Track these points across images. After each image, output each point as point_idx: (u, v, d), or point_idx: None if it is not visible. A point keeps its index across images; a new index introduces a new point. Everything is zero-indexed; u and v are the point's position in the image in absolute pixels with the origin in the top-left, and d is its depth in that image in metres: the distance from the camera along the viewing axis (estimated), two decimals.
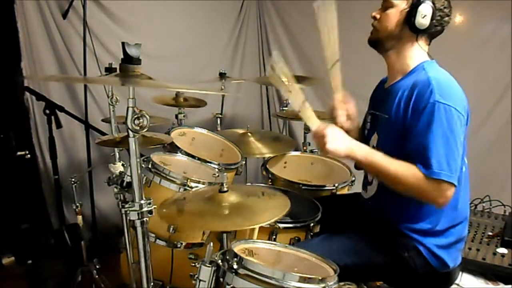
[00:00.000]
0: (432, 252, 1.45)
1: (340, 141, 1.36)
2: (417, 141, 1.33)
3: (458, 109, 1.32)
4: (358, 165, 1.55)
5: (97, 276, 2.05)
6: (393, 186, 1.37)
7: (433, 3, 1.40)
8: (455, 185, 1.30)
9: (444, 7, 1.43)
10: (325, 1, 1.57)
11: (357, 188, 1.96)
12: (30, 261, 2.22)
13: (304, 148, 2.74)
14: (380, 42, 1.51)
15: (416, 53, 1.48)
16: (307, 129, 2.73)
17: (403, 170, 1.32)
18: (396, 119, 1.42)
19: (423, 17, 1.40)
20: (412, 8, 1.41)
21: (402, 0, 1.44)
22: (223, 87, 2.87)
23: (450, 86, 1.37)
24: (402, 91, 1.42)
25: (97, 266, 2.07)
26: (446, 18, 1.45)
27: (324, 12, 1.59)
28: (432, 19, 1.41)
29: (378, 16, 1.50)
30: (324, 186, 2.14)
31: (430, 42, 1.50)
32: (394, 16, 1.46)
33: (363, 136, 1.67)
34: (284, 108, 2.86)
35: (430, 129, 1.31)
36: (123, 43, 1.22)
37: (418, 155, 1.31)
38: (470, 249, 1.96)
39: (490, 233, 2.11)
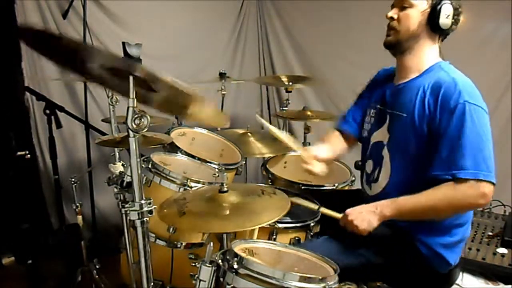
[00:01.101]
0: (434, 251, 1.45)
1: (366, 217, 1.37)
2: (451, 145, 1.32)
3: (486, 110, 1.34)
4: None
5: (97, 276, 2.05)
6: (438, 216, 1.40)
7: (451, 2, 1.41)
8: (493, 184, 1.31)
9: (459, 6, 1.43)
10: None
11: (357, 187, 1.96)
12: (30, 261, 2.22)
13: None
14: (399, 43, 1.47)
15: (431, 53, 1.48)
16: (307, 129, 2.73)
17: (433, 197, 1.32)
18: (420, 118, 1.40)
19: (447, 17, 1.40)
20: (434, 8, 1.41)
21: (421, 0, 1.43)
22: (223, 87, 2.87)
23: (474, 88, 1.38)
24: (422, 90, 1.41)
25: (97, 266, 2.07)
26: (460, 15, 1.45)
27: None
28: (452, 18, 1.41)
29: (395, 17, 1.46)
30: (324, 186, 2.14)
31: (443, 41, 1.51)
32: (415, 17, 1.43)
33: (359, 133, 1.69)
34: (284, 108, 2.86)
35: (463, 131, 1.30)
36: (123, 43, 1.23)
37: (453, 159, 1.30)
38: (470, 249, 1.96)
39: (490, 233, 2.11)
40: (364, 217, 1.38)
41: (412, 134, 1.41)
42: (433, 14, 1.41)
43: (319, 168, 1.63)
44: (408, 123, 1.43)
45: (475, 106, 1.31)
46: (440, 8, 1.40)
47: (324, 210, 1.53)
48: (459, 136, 1.30)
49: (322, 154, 1.68)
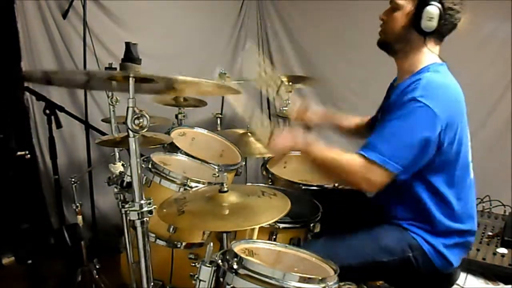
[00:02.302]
0: (437, 250, 1.45)
1: (285, 137, 1.47)
2: (379, 128, 1.36)
3: (435, 111, 1.30)
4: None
5: (97, 276, 2.05)
6: (327, 170, 1.45)
7: (441, 3, 1.37)
8: (391, 177, 1.31)
9: (454, 5, 1.40)
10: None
11: None
12: (30, 261, 2.21)
13: None
14: (387, 44, 1.49)
15: (425, 55, 1.46)
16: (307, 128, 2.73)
17: (340, 154, 1.37)
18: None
19: (430, 19, 1.37)
20: (417, 10, 1.39)
21: (407, 1, 1.42)
22: None
23: (439, 88, 1.36)
24: (401, 90, 1.42)
25: (97, 266, 2.07)
26: (457, 15, 1.42)
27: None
28: (440, 19, 1.38)
29: (385, 18, 1.48)
30: (324, 186, 2.13)
31: (442, 40, 1.48)
32: (400, 19, 1.43)
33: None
34: (284, 108, 2.86)
35: (397, 120, 1.31)
36: (127, 43, 1.22)
37: (374, 139, 1.34)
38: (470, 249, 1.96)
39: (490, 233, 2.11)
40: (284, 141, 1.49)
41: None
42: (416, 16, 1.39)
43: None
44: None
45: (421, 103, 1.30)
46: (423, 10, 1.37)
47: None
48: (389, 122, 1.33)
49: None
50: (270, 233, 1.62)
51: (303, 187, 2.10)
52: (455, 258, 1.47)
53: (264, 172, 2.27)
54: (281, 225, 1.61)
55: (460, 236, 1.48)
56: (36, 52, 2.55)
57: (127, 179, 1.67)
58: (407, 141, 1.31)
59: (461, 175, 1.45)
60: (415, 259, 1.45)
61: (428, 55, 1.46)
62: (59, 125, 2.15)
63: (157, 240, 1.73)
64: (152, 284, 1.29)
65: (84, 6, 2.55)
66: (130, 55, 1.23)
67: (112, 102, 2.05)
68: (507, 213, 2.35)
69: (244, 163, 2.26)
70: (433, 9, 1.37)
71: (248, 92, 3.64)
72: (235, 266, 1.14)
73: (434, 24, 1.38)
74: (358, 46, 3.16)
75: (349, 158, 1.35)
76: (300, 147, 1.46)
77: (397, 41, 1.46)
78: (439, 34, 1.44)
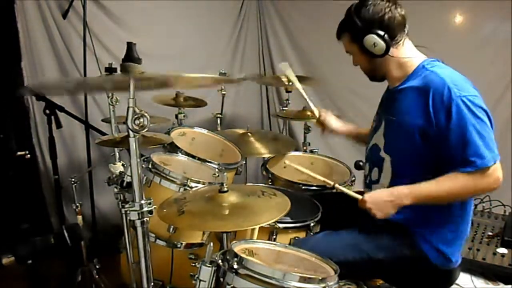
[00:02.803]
0: (434, 246, 1.45)
1: (384, 208, 1.39)
2: (462, 141, 1.33)
3: (477, 94, 1.36)
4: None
5: (97, 276, 2.05)
6: (452, 201, 1.42)
7: (371, 23, 1.40)
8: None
9: (383, 10, 1.40)
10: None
11: (357, 187, 1.96)
12: (30, 261, 2.21)
13: (304, 148, 2.74)
14: (373, 78, 1.57)
15: (407, 59, 1.47)
16: (306, 129, 2.73)
17: (450, 183, 1.34)
18: (409, 121, 1.41)
19: (375, 45, 1.41)
20: (361, 47, 1.44)
21: (350, 46, 1.50)
22: (223, 87, 2.88)
23: (461, 80, 1.38)
24: (411, 93, 1.42)
25: (97, 266, 2.07)
26: (395, 11, 1.41)
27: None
28: (383, 35, 1.40)
29: (355, 64, 1.57)
30: (324, 186, 2.13)
31: (405, 35, 1.46)
32: (360, 60, 1.52)
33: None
34: (284, 108, 2.86)
35: (468, 124, 1.32)
36: (129, 43, 1.22)
37: (461, 154, 1.32)
38: (470, 249, 1.96)
39: (490, 233, 2.11)
40: (382, 207, 1.40)
41: (404, 137, 1.43)
42: (365, 51, 1.44)
43: (334, 122, 1.93)
44: (399, 126, 1.45)
45: (467, 97, 1.33)
46: (363, 45, 1.42)
47: (342, 188, 1.57)
48: (466, 130, 1.32)
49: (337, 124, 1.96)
50: (270, 233, 1.62)
51: (303, 187, 2.10)
52: (452, 253, 1.47)
53: (264, 172, 2.27)
54: (281, 225, 1.61)
55: (456, 230, 1.48)
56: (36, 52, 2.55)
57: (127, 179, 1.67)
58: (489, 131, 1.36)
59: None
60: (411, 255, 1.45)
61: (410, 58, 1.48)
62: (59, 125, 2.15)
63: (157, 240, 1.73)
64: (152, 284, 1.29)
65: (84, 6, 2.55)
66: (131, 55, 1.23)
67: (112, 102, 2.05)
68: (507, 213, 2.35)
69: (244, 162, 2.26)
70: (369, 37, 1.41)
71: (248, 92, 3.67)
72: (235, 266, 1.14)
73: (382, 44, 1.41)
74: None
75: (467, 177, 1.33)
76: (408, 203, 1.38)
77: (375, 72, 1.53)
78: (396, 37, 1.44)
